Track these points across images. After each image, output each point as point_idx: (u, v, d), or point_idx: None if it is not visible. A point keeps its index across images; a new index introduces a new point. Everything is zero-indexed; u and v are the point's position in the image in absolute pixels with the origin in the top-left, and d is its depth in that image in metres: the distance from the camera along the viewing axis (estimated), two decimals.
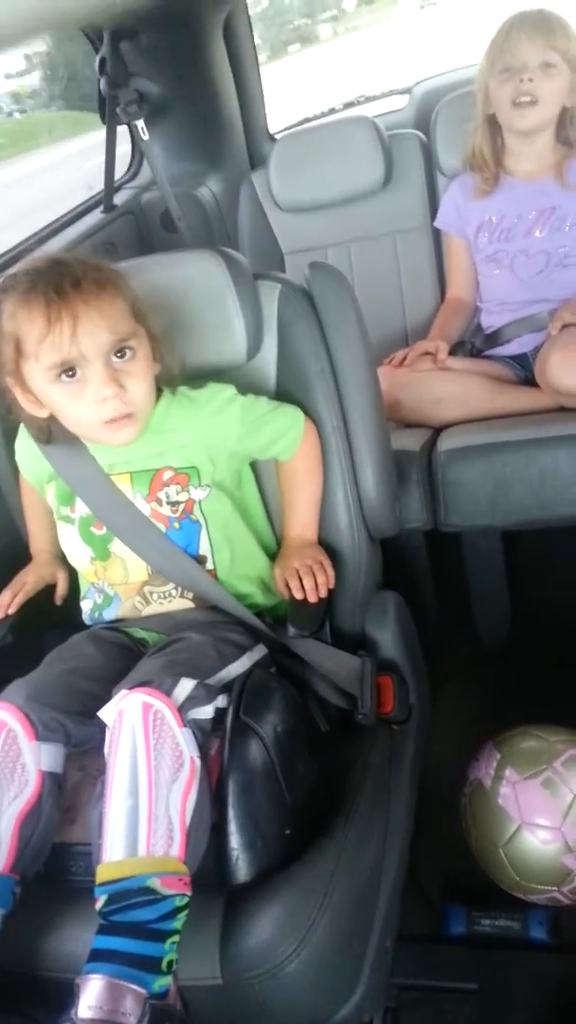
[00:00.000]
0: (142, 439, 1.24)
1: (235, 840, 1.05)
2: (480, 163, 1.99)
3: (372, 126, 2.21)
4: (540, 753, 1.49)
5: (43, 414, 1.22)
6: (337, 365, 1.36)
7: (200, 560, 1.28)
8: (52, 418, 1.22)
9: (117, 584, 1.30)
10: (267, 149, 2.44)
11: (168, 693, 1.03)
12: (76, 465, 1.28)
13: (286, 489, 1.37)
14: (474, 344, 2.07)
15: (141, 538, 1.27)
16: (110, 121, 2.12)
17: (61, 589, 1.40)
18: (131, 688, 1.04)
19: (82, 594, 1.36)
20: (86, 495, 1.29)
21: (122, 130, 2.18)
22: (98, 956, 0.92)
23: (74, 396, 1.16)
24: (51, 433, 1.25)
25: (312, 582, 1.29)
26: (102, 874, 0.96)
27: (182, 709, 1.02)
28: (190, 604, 1.29)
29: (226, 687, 1.13)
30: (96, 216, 2.26)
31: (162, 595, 1.29)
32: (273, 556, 1.38)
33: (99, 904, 0.95)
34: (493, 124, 1.95)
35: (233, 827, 1.05)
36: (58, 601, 1.40)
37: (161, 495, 1.27)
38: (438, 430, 1.84)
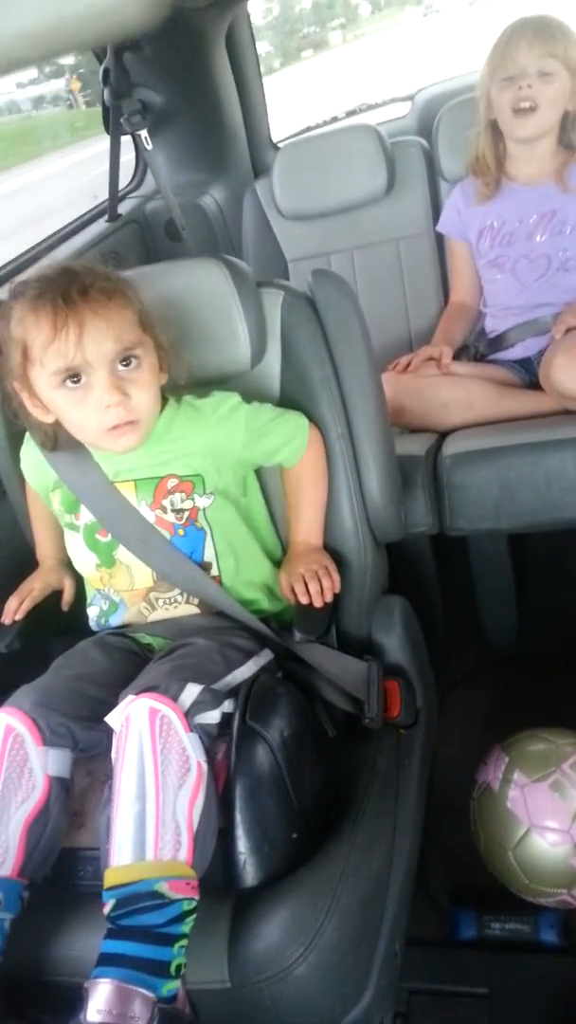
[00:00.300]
0: (147, 447, 1.24)
1: (242, 844, 1.05)
2: (482, 168, 2.00)
3: (374, 134, 2.22)
4: (548, 756, 1.49)
5: (49, 419, 1.23)
6: (341, 371, 1.37)
7: (205, 567, 1.28)
8: (57, 424, 1.23)
9: (123, 591, 1.31)
10: (270, 158, 2.45)
11: (175, 698, 1.03)
12: (81, 473, 1.29)
13: (291, 495, 1.38)
14: (478, 348, 2.08)
15: (146, 545, 1.27)
16: (114, 131, 2.14)
17: (68, 595, 1.41)
18: (138, 693, 1.04)
19: (88, 601, 1.36)
20: (91, 503, 1.29)
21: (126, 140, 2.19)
22: (106, 960, 0.92)
23: (78, 402, 1.17)
24: (56, 439, 1.26)
25: (318, 587, 1.29)
26: (110, 878, 0.96)
27: (188, 714, 1.03)
28: (196, 610, 1.30)
29: (232, 692, 1.13)
30: (101, 225, 2.27)
31: (168, 601, 1.30)
32: (278, 562, 1.38)
33: (107, 908, 0.95)
34: (495, 130, 1.95)
35: (240, 831, 1.05)
36: (64, 607, 1.41)
37: (166, 503, 1.27)
38: (443, 435, 1.84)
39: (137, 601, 1.30)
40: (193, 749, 1.01)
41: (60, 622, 1.40)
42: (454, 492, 1.69)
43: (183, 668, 1.10)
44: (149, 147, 2.17)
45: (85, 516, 1.31)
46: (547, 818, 1.44)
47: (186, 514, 1.27)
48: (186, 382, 1.27)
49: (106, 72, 2.07)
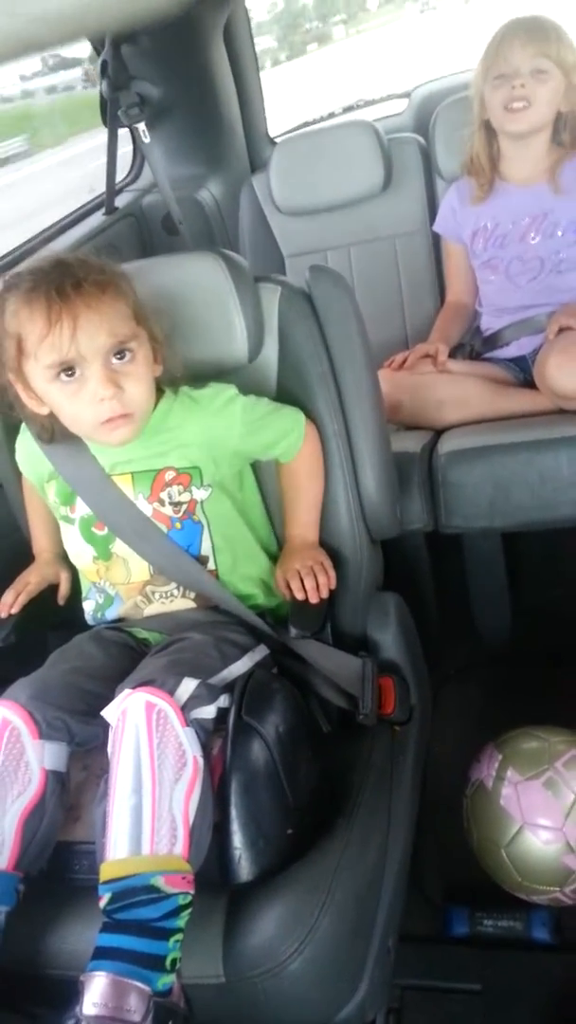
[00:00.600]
0: (143, 439, 1.24)
1: (238, 839, 1.05)
2: (476, 169, 2.00)
3: (371, 130, 2.22)
4: (541, 754, 1.50)
5: (44, 411, 1.22)
6: (338, 367, 1.37)
7: (202, 560, 1.28)
8: (53, 416, 1.23)
9: (119, 584, 1.31)
10: (267, 153, 2.45)
11: (171, 692, 1.03)
12: (77, 465, 1.28)
13: (287, 491, 1.38)
14: (473, 347, 2.08)
15: (142, 539, 1.27)
16: (111, 124, 2.13)
17: (64, 589, 1.41)
18: (134, 687, 1.04)
19: (84, 594, 1.36)
20: (87, 495, 1.29)
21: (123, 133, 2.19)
22: (102, 954, 0.92)
23: (72, 395, 1.17)
24: (53, 431, 1.25)
25: (313, 583, 1.29)
26: (106, 872, 0.96)
27: (185, 709, 1.03)
28: (192, 604, 1.30)
29: (228, 687, 1.13)
30: (98, 218, 2.26)
31: (164, 595, 1.30)
32: (274, 558, 1.38)
33: (103, 902, 0.95)
34: (489, 130, 1.95)
35: (235, 827, 1.05)
36: (61, 601, 1.41)
37: (163, 495, 1.27)
38: (438, 432, 1.84)
39: (133, 595, 1.30)
40: (189, 744, 1.01)
41: (56, 616, 1.40)
42: (449, 490, 1.69)
43: (179, 662, 1.10)
44: (147, 140, 2.17)
45: (80, 509, 1.31)
46: (540, 816, 1.44)
47: (184, 507, 1.27)
48: (182, 374, 1.27)
49: (104, 64, 2.06)
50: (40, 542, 1.45)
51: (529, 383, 1.91)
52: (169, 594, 1.30)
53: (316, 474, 1.36)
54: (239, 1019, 1.07)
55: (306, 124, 2.75)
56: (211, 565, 1.29)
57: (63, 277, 1.13)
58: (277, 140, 2.58)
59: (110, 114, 2.11)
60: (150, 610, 1.30)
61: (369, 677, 1.26)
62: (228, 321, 1.31)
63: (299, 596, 1.29)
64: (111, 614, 1.32)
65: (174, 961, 0.94)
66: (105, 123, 2.14)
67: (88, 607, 1.35)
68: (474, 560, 1.95)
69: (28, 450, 1.35)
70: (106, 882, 0.96)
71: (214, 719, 1.08)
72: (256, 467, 1.40)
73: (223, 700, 1.11)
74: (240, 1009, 1.04)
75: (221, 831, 1.05)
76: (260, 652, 1.25)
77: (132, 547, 1.28)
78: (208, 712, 1.07)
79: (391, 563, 1.54)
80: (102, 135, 2.16)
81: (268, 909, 1.02)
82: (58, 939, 1.05)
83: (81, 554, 1.33)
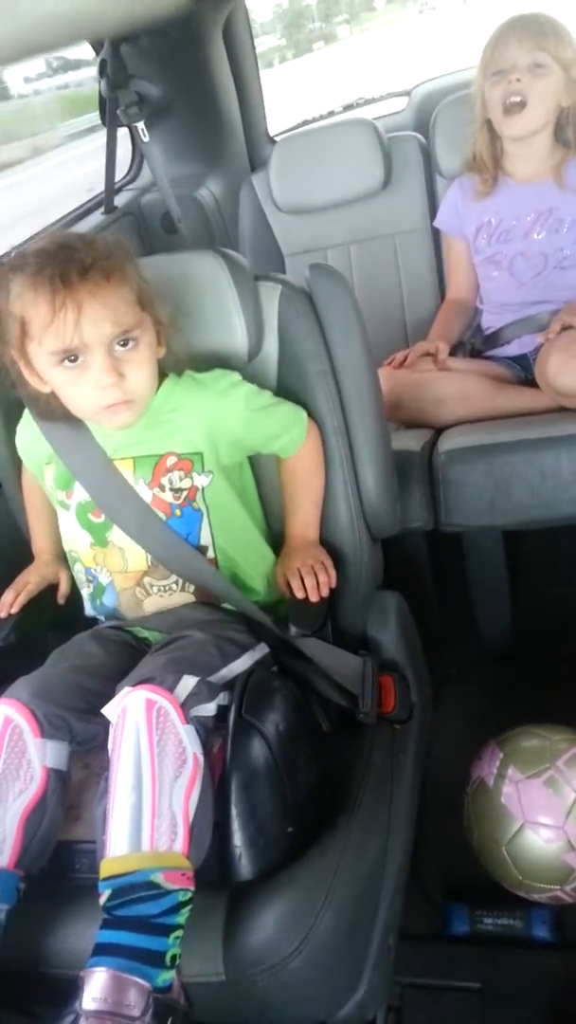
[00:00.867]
0: (145, 422, 1.24)
1: (238, 838, 1.05)
2: (479, 166, 2.00)
3: (371, 128, 2.22)
4: (542, 752, 1.50)
5: (46, 389, 1.22)
6: (338, 366, 1.37)
7: (200, 550, 1.28)
8: (54, 394, 1.23)
9: (115, 572, 1.30)
10: (267, 151, 2.45)
11: (171, 690, 1.03)
12: (79, 448, 1.28)
13: (288, 488, 1.38)
14: (474, 345, 2.08)
15: (141, 525, 1.27)
16: (110, 123, 2.12)
17: (63, 588, 1.41)
18: (134, 685, 1.04)
19: (79, 581, 1.36)
20: (86, 480, 1.29)
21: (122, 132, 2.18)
22: (102, 950, 0.92)
23: (75, 380, 1.17)
24: (54, 410, 1.25)
25: (313, 581, 1.29)
26: (106, 869, 0.96)
27: (184, 706, 1.03)
28: (191, 598, 1.30)
29: (228, 685, 1.13)
30: (97, 217, 2.26)
31: (163, 588, 1.29)
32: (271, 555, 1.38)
33: (103, 899, 0.95)
34: (492, 128, 1.95)
35: (236, 825, 1.05)
36: (60, 600, 1.41)
37: (164, 481, 1.27)
38: (439, 431, 1.85)
39: (131, 585, 1.30)
40: (189, 741, 1.01)
41: (56, 615, 1.40)
42: (449, 488, 1.69)
43: (179, 660, 1.10)
44: (146, 139, 2.16)
45: (78, 495, 1.30)
46: (541, 814, 1.44)
47: (184, 494, 1.27)
48: (186, 356, 1.27)
49: (103, 64, 2.05)
50: (40, 542, 1.44)
51: (530, 381, 1.91)
52: (168, 588, 1.29)
53: (317, 471, 1.36)
54: (240, 1017, 1.08)
55: (306, 122, 2.75)
56: (210, 554, 1.29)
57: (69, 262, 1.12)
58: (277, 139, 2.58)
59: (109, 113, 2.11)
60: (149, 602, 1.30)
61: (369, 675, 1.26)
62: (228, 319, 1.31)
63: (299, 594, 1.29)
64: (109, 601, 1.32)
65: (174, 957, 0.94)
66: (104, 122, 2.14)
67: (85, 594, 1.35)
68: (474, 558, 1.95)
69: (29, 432, 1.35)
70: (106, 878, 0.96)
71: (214, 717, 1.08)
72: (254, 465, 1.39)
73: (223, 698, 1.11)
74: (240, 1007, 1.04)
75: (221, 829, 1.05)
76: (260, 651, 1.24)
77: (130, 534, 1.28)
78: (208, 710, 1.07)
79: (391, 562, 1.54)
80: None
81: (268, 907, 1.02)
82: (59, 938, 1.05)
83: (77, 540, 1.33)
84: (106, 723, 1.06)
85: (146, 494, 1.27)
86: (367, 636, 1.40)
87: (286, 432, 1.32)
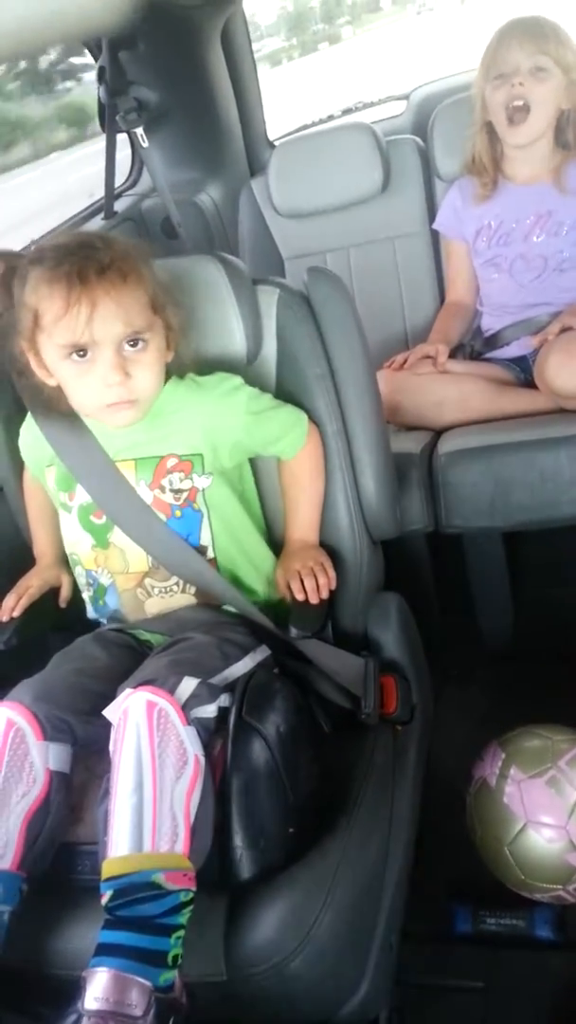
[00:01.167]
0: (146, 423, 1.25)
1: (238, 839, 1.05)
2: (479, 169, 2.00)
3: (370, 132, 2.23)
4: (545, 752, 1.50)
5: (52, 382, 1.23)
6: (337, 369, 1.37)
7: (200, 551, 1.29)
8: (59, 389, 1.23)
9: (117, 573, 1.31)
10: (266, 156, 2.46)
11: (172, 691, 1.03)
12: (80, 450, 1.29)
13: (288, 490, 1.38)
14: (473, 347, 2.08)
15: (141, 527, 1.27)
16: (110, 129, 2.14)
17: (65, 592, 1.41)
18: (135, 687, 1.04)
19: (81, 584, 1.37)
20: (87, 481, 1.29)
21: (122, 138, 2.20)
22: (104, 950, 0.93)
23: (82, 376, 1.18)
24: (58, 404, 1.25)
25: (313, 584, 1.29)
26: (107, 869, 0.97)
27: (185, 707, 1.03)
28: (193, 600, 1.30)
29: (229, 687, 1.13)
30: (97, 223, 2.27)
31: (164, 590, 1.30)
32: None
33: (104, 899, 0.96)
34: (492, 131, 1.96)
35: (237, 826, 1.06)
36: (62, 604, 1.41)
37: (164, 482, 1.27)
38: (438, 433, 1.85)
39: (132, 586, 1.30)
40: (190, 742, 1.02)
41: (58, 619, 1.41)
42: (449, 490, 1.70)
43: (180, 662, 1.11)
44: (145, 145, 2.18)
45: (79, 497, 1.31)
46: (543, 814, 1.44)
47: (184, 495, 1.28)
48: (191, 361, 1.28)
49: (101, 70, 2.07)
50: (41, 546, 1.45)
51: (530, 383, 1.92)
52: (169, 589, 1.30)
53: (317, 474, 1.37)
54: (241, 1017, 1.08)
55: (304, 127, 2.76)
56: (210, 555, 1.30)
57: (87, 260, 1.13)
58: (276, 143, 2.59)
59: (108, 119, 2.12)
60: (150, 603, 1.31)
61: (371, 676, 1.27)
62: (227, 324, 1.32)
63: (299, 597, 1.29)
64: (111, 603, 1.32)
65: (176, 957, 0.94)
66: (103, 128, 2.15)
67: (86, 597, 1.36)
68: (475, 560, 1.95)
69: (32, 435, 1.36)
70: (107, 879, 0.96)
71: (215, 718, 1.09)
72: (255, 467, 1.40)
73: (224, 700, 1.11)
74: (242, 1007, 1.05)
75: (222, 830, 1.05)
76: (262, 652, 1.25)
77: (130, 535, 1.28)
78: (209, 711, 1.07)
79: (392, 563, 1.54)
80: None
81: (270, 907, 1.03)
82: (61, 938, 1.05)
83: (79, 542, 1.33)
84: (108, 725, 1.06)
85: (147, 495, 1.27)
86: (368, 638, 1.41)
87: (287, 435, 1.33)
